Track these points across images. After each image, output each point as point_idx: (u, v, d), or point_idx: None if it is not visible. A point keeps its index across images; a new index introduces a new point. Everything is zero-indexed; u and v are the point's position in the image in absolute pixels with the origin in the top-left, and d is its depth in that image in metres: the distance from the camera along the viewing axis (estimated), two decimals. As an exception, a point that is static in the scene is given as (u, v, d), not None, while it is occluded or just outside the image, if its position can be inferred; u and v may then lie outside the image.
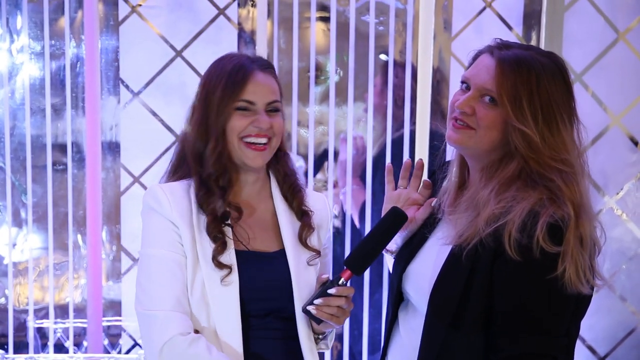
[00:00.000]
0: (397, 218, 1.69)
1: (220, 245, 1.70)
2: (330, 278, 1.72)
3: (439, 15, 3.24)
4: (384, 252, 1.77)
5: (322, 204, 1.89)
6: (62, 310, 3.28)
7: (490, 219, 1.53)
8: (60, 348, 3.27)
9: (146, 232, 1.73)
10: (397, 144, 3.21)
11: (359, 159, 3.26)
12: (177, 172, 1.82)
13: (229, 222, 1.73)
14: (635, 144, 3.42)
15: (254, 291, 1.71)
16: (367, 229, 3.22)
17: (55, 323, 3.25)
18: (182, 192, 1.75)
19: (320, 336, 1.81)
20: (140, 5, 3.23)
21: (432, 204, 1.77)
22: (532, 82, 1.55)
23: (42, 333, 3.28)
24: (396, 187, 1.87)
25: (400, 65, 3.22)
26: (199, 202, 1.73)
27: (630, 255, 3.46)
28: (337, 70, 3.24)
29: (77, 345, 3.28)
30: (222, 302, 1.69)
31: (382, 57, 3.25)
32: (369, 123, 3.22)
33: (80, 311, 3.28)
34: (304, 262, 1.77)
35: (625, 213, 3.44)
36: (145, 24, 3.24)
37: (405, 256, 1.74)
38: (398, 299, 1.75)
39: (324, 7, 3.23)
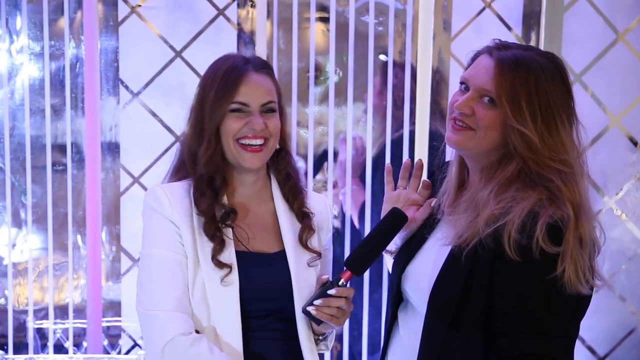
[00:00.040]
0: (397, 219, 1.69)
1: (218, 244, 1.70)
2: (330, 279, 1.72)
3: (438, 16, 3.24)
4: (383, 252, 1.77)
5: (322, 205, 1.89)
6: (61, 311, 3.28)
7: (489, 220, 1.53)
8: (60, 348, 3.27)
9: (147, 233, 1.74)
10: (397, 144, 3.21)
11: (358, 159, 3.26)
12: (178, 172, 1.82)
13: (229, 222, 1.73)
14: (635, 144, 3.42)
15: (254, 292, 1.71)
16: (367, 229, 3.22)
17: (55, 323, 3.25)
18: (182, 193, 1.75)
19: (320, 337, 1.81)
20: (139, 5, 3.23)
21: (432, 204, 1.77)
22: (530, 83, 1.55)
23: (41, 333, 3.28)
24: (395, 188, 1.87)
25: (399, 66, 3.22)
26: (194, 203, 1.73)
27: (629, 255, 3.46)
28: (337, 70, 3.24)
29: (77, 345, 3.28)
30: (222, 302, 1.69)
31: (382, 57, 3.25)
32: (368, 123, 3.22)
33: (79, 312, 3.28)
34: (304, 263, 1.77)
35: (624, 213, 3.44)
36: (144, 24, 3.24)
37: (405, 256, 1.74)
38: (397, 299, 1.75)
39: (323, 8, 3.23)
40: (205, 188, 1.73)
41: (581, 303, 1.57)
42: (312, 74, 3.21)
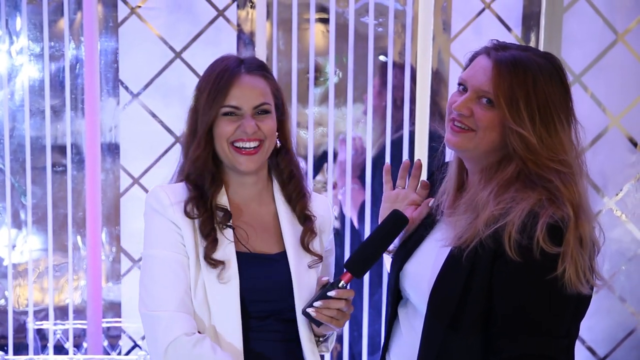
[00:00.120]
0: (398, 221, 1.69)
1: (210, 243, 1.70)
2: (331, 281, 1.72)
3: (438, 17, 3.24)
4: (383, 252, 1.77)
5: (325, 208, 1.88)
6: (61, 312, 3.28)
7: (489, 221, 1.53)
8: (60, 349, 3.27)
9: (149, 234, 1.74)
10: (397, 144, 3.22)
11: (358, 159, 3.26)
12: (183, 173, 1.83)
13: (222, 222, 1.73)
14: (635, 144, 3.42)
15: (254, 292, 1.71)
16: (367, 229, 3.22)
17: (55, 324, 3.25)
18: (184, 193, 1.75)
19: (320, 339, 1.81)
20: (139, 6, 3.23)
21: (430, 204, 1.78)
22: (528, 83, 1.55)
23: (41, 334, 3.28)
24: (394, 187, 1.87)
25: (399, 67, 3.23)
26: (184, 203, 1.74)
27: (629, 256, 3.46)
28: (337, 71, 3.24)
29: (77, 346, 3.28)
30: (223, 302, 1.69)
31: (382, 58, 3.25)
32: (368, 124, 3.22)
33: (80, 312, 3.28)
34: (305, 264, 1.78)
35: (624, 214, 3.44)
36: (144, 25, 3.24)
37: (402, 255, 1.74)
38: (396, 297, 1.76)
39: (323, 9, 3.23)
40: (191, 188, 1.74)
41: (581, 303, 1.57)
42: (311, 74, 3.21)
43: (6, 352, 3.23)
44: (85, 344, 3.25)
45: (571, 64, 3.30)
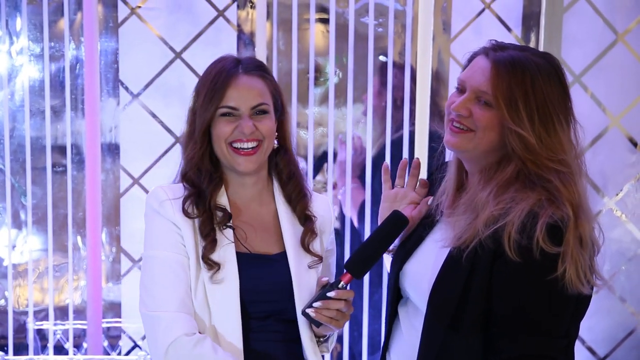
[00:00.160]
0: (398, 222, 1.69)
1: (209, 244, 1.70)
2: (330, 281, 1.72)
3: (438, 17, 3.24)
4: (382, 252, 1.77)
5: (325, 208, 1.88)
6: (61, 312, 3.28)
7: (489, 221, 1.53)
8: (60, 349, 3.27)
9: (149, 234, 1.74)
10: (397, 144, 3.22)
11: (357, 159, 3.26)
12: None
13: (222, 223, 1.73)
14: (635, 144, 3.42)
15: (254, 293, 1.71)
16: (367, 229, 3.22)
17: (55, 325, 3.25)
18: (184, 194, 1.75)
19: (321, 339, 1.81)
20: (139, 7, 3.23)
21: (429, 203, 1.78)
22: (527, 83, 1.55)
23: (41, 335, 3.28)
24: (393, 187, 1.87)
25: (399, 67, 3.23)
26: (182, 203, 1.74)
27: (629, 256, 3.46)
28: (337, 71, 3.24)
29: (77, 346, 3.28)
30: (222, 303, 1.69)
31: (382, 58, 3.25)
32: (368, 124, 3.22)
33: (80, 313, 3.28)
34: (305, 265, 1.78)
35: (624, 214, 3.44)
36: (144, 25, 3.24)
37: (402, 255, 1.74)
38: (396, 296, 1.76)
39: (323, 9, 3.23)
40: (187, 186, 1.74)
41: (581, 303, 1.57)
42: (311, 75, 3.21)
43: (6, 352, 3.23)
44: (85, 344, 3.25)
45: (571, 64, 3.30)
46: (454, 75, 3.29)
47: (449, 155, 1.79)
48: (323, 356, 1.82)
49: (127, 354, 3.33)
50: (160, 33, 3.24)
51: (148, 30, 3.24)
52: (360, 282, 3.22)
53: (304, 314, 1.68)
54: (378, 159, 3.22)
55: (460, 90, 1.64)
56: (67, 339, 3.26)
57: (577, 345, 2.95)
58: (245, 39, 3.25)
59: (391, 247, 1.82)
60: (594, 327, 3.43)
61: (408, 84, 3.20)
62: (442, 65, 3.29)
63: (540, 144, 1.54)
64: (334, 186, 3.28)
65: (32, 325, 3.24)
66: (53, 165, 3.21)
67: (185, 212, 1.72)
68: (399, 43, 3.26)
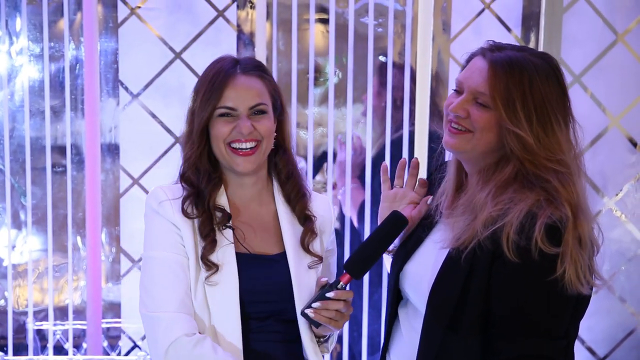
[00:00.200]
0: (397, 222, 1.69)
1: (209, 244, 1.70)
2: (330, 281, 1.72)
3: (437, 17, 3.24)
4: (382, 253, 1.77)
5: (325, 208, 1.88)
6: (61, 312, 3.28)
7: (487, 222, 1.53)
8: (59, 350, 3.27)
9: (149, 235, 1.74)
10: (396, 144, 3.22)
11: (357, 159, 3.26)
12: None
13: (222, 223, 1.73)
14: (634, 145, 3.42)
15: (254, 293, 1.71)
16: (366, 229, 3.22)
17: (55, 325, 3.25)
18: (183, 194, 1.75)
19: (321, 339, 1.81)
20: (139, 7, 3.23)
21: (428, 203, 1.78)
22: (524, 84, 1.55)
23: (41, 335, 3.28)
24: (392, 187, 1.87)
25: (399, 67, 3.23)
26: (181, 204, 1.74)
27: (629, 256, 3.46)
28: (336, 71, 3.24)
29: (77, 347, 3.28)
30: (222, 303, 1.69)
31: (381, 58, 3.25)
32: (368, 124, 3.22)
33: (79, 313, 3.28)
34: (305, 265, 1.77)
35: (624, 214, 3.44)
36: (144, 25, 3.24)
37: (402, 256, 1.74)
38: (396, 297, 1.76)
39: (323, 9, 3.23)
40: (186, 187, 1.74)
41: (580, 304, 1.57)
42: (311, 75, 3.21)
43: (6, 352, 3.23)
44: (84, 345, 3.25)
45: (571, 64, 3.30)
46: (454, 76, 3.29)
47: (448, 156, 1.79)
48: (323, 356, 1.82)
49: (127, 354, 3.33)
50: (160, 33, 3.24)
51: (148, 30, 3.24)
52: (360, 282, 3.22)
53: (303, 314, 1.68)
54: (378, 159, 3.22)
55: (458, 91, 1.64)
56: (67, 339, 3.26)
57: (577, 346, 2.95)
58: (245, 39, 3.25)
59: (391, 248, 1.82)
60: (594, 327, 3.43)
61: (408, 84, 3.20)
62: (442, 65, 3.29)
63: (539, 144, 1.54)
64: (334, 186, 3.28)
65: (31, 325, 3.24)
66: (53, 166, 3.21)
67: (184, 213, 1.72)
68: (399, 43, 3.26)
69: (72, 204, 3.21)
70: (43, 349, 3.27)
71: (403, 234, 1.78)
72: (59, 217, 3.25)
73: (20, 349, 3.27)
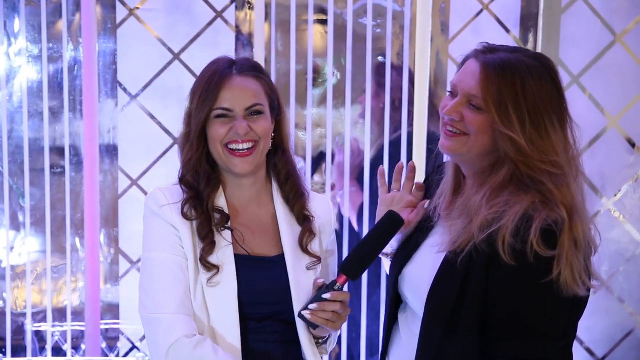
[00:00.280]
0: (393, 222, 1.68)
1: (208, 246, 1.70)
2: (327, 282, 1.72)
3: (436, 18, 3.24)
4: (380, 255, 1.77)
5: (325, 208, 1.88)
6: (60, 314, 3.28)
7: (483, 225, 1.53)
8: (58, 351, 3.26)
9: (148, 236, 1.74)
10: (395, 145, 3.22)
11: (356, 161, 3.26)
12: None
13: (220, 224, 1.73)
14: (633, 145, 3.43)
15: (252, 295, 1.71)
16: (365, 231, 3.22)
17: (53, 326, 3.25)
18: (182, 195, 1.75)
19: (319, 341, 1.81)
20: (138, 8, 3.23)
21: (425, 206, 1.78)
22: (517, 86, 1.54)
23: (40, 336, 3.28)
24: (390, 191, 1.87)
25: (397, 68, 3.23)
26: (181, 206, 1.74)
27: (628, 256, 3.47)
28: (335, 72, 3.24)
29: (75, 348, 3.28)
30: (221, 304, 1.69)
31: (380, 59, 3.25)
32: (366, 125, 3.23)
33: (78, 314, 3.28)
34: (304, 267, 1.77)
35: (622, 215, 3.44)
36: (143, 27, 3.24)
37: (401, 259, 1.74)
38: (395, 301, 1.76)
39: (321, 10, 3.23)
40: (186, 190, 1.74)
41: (578, 305, 1.56)
42: (310, 76, 3.21)
43: (4, 354, 3.23)
44: (83, 346, 3.25)
45: (569, 65, 3.31)
46: (452, 77, 3.29)
47: (446, 157, 1.79)
48: (322, 358, 1.82)
49: (126, 355, 3.33)
50: (158, 34, 3.24)
51: (146, 31, 3.24)
52: (359, 283, 3.22)
53: (300, 316, 1.68)
54: (376, 160, 3.22)
55: (453, 94, 1.64)
56: (66, 341, 3.26)
57: (576, 346, 2.95)
58: (243, 40, 3.25)
59: (389, 251, 1.82)
60: (593, 328, 3.43)
61: (406, 85, 3.20)
62: (441, 66, 3.29)
63: (532, 146, 1.54)
64: (332, 187, 3.28)
65: (30, 327, 3.24)
66: (51, 167, 3.21)
67: (184, 215, 1.72)
68: (397, 44, 3.26)
69: (70, 205, 3.21)
70: (42, 351, 3.27)
71: (401, 238, 1.78)
72: (57, 219, 3.24)
73: (18, 350, 3.27)
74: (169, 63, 3.25)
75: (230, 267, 1.71)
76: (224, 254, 1.71)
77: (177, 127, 1.81)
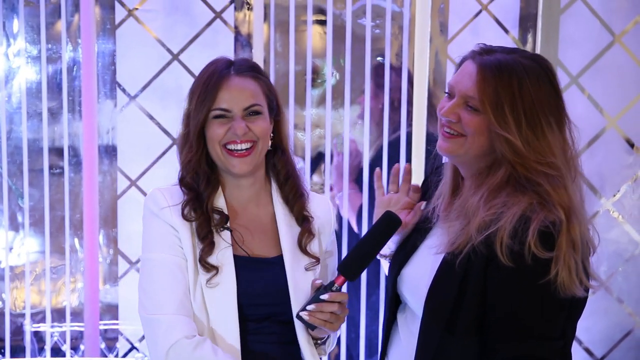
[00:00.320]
0: (391, 223, 1.68)
1: (207, 246, 1.70)
2: (325, 283, 1.72)
3: (435, 19, 3.25)
4: (378, 256, 1.77)
5: (324, 209, 1.88)
6: (59, 314, 3.27)
7: (481, 226, 1.53)
8: (57, 352, 3.26)
9: (147, 237, 1.74)
10: (394, 146, 3.22)
11: (355, 162, 3.26)
12: None
13: (219, 225, 1.73)
14: (632, 146, 3.43)
15: (251, 296, 1.72)
16: (364, 231, 3.22)
17: (52, 327, 3.25)
18: (182, 196, 1.76)
19: (318, 341, 1.81)
20: (136, 8, 3.23)
21: (422, 208, 1.78)
22: (514, 87, 1.54)
23: (39, 337, 3.28)
24: (386, 193, 1.88)
25: (396, 68, 3.23)
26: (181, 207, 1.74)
27: (626, 257, 3.47)
28: (334, 73, 3.24)
29: (74, 349, 3.28)
30: (220, 305, 1.69)
31: (379, 60, 3.25)
32: (365, 126, 3.23)
33: (77, 315, 3.28)
34: (302, 268, 1.77)
35: (621, 215, 3.44)
36: (141, 27, 3.24)
37: (400, 260, 1.74)
38: (394, 301, 1.76)
39: (320, 11, 3.23)
40: (185, 191, 1.74)
41: (576, 305, 1.56)
42: (309, 76, 3.21)
43: (3, 354, 3.23)
44: (82, 347, 3.25)
45: (568, 66, 3.31)
46: (451, 77, 3.30)
47: (445, 158, 1.79)
48: (321, 358, 1.82)
49: (125, 356, 3.33)
50: (157, 35, 3.24)
51: (145, 32, 3.24)
52: (358, 283, 3.22)
53: (298, 317, 1.68)
54: (375, 161, 3.22)
55: (450, 95, 1.64)
56: (64, 342, 3.25)
57: (575, 346, 2.95)
58: (242, 40, 3.25)
59: (388, 253, 1.82)
60: (591, 328, 3.43)
61: (405, 85, 3.20)
62: (439, 66, 3.29)
63: (528, 147, 1.54)
64: (331, 188, 3.28)
65: (29, 327, 3.24)
66: (50, 167, 3.21)
67: (184, 217, 1.72)
68: (396, 45, 3.26)
69: (69, 206, 3.21)
70: (40, 351, 3.27)
71: (400, 239, 1.78)
72: (56, 219, 3.24)
73: (17, 351, 3.27)
74: (168, 63, 3.25)
75: (229, 268, 1.71)
76: (224, 255, 1.71)
77: (176, 128, 1.81)
